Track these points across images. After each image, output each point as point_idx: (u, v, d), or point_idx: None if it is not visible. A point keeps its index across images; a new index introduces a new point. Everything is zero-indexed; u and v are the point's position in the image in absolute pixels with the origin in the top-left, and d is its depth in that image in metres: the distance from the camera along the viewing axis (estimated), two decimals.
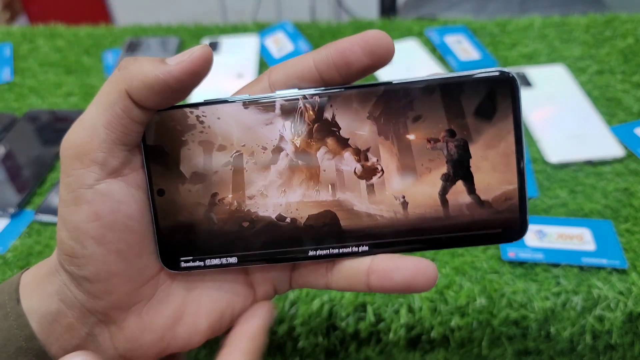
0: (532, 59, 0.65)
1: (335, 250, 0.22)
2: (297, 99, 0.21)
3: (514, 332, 0.41)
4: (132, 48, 0.71)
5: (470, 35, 0.69)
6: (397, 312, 0.41)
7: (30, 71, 0.70)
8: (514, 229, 0.21)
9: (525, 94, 0.59)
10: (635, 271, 0.42)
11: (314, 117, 0.21)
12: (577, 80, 0.61)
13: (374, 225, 0.21)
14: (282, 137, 0.21)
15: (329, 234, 0.22)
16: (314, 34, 0.72)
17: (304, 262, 0.22)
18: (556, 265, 0.43)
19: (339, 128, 0.21)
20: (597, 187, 0.49)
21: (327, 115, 0.21)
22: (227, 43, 0.71)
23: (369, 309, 0.41)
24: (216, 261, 0.22)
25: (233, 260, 0.22)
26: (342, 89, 0.21)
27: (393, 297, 0.42)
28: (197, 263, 0.22)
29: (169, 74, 0.19)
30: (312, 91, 0.21)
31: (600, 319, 0.40)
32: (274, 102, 0.21)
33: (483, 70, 0.21)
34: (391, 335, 0.41)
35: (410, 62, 0.66)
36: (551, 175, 0.51)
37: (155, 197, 0.21)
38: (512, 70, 0.62)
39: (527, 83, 0.61)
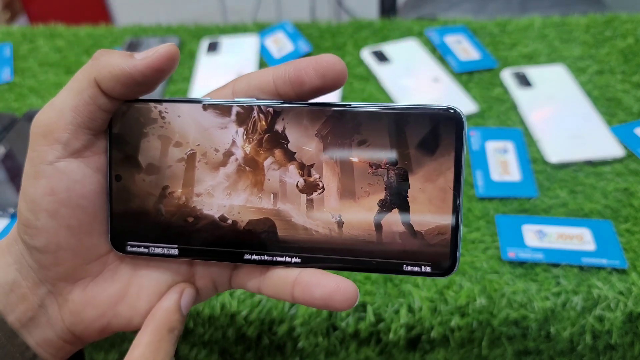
0: (532, 59, 0.65)
1: (269, 258, 0.23)
2: (253, 109, 0.22)
3: (514, 332, 0.41)
4: (132, 48, 0.71)
5: (470, 35, 0.69)
6: (397, 312, 0.41)
7: (30, 71, 0.70)
8: (443, 264, 0.22)
9: (525, 94, 0.59)
10: (635, 271, 0.42)
11: (265, 127, 0.22)
12: (577, 80, 0.61)
13: (308, 239, 0.22)
14: (234, 142, 0.22)
15: (265, 241, 0.23)
16: (313, 34, 0.72)
17: (239, 263, 0.23)
18: (556, 265, 0.43)
19: (288, 141, 0.22)
20: (597, 187, 0.49)
21: (278, 127, 0.22)
22: (227, 43, 0.71)
23: (369, 309, 0.41)
24: (159, 250, 0.23)
25: (174, 252, 0.23)
26: (296, 105, 0.22)
27: (393, 297, 0.42)
28: (142, 249, 0.23)
29: (135, 67, 0.21)
30: (267, 102, 0.22)
31: (600, 319, 0.40)
32: (231, 108, 0.22)
33: (433, 105, 0.21)
34: (391, 335, 0.41)
35: (410, 62, 0.66)
36: (551, 175, 0.51)
37: (113, 182, 0.23)
38: (514, 69, 0.62)
39: (527, 83, 0.61)
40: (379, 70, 0.65)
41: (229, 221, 0.23)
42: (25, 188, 0.22)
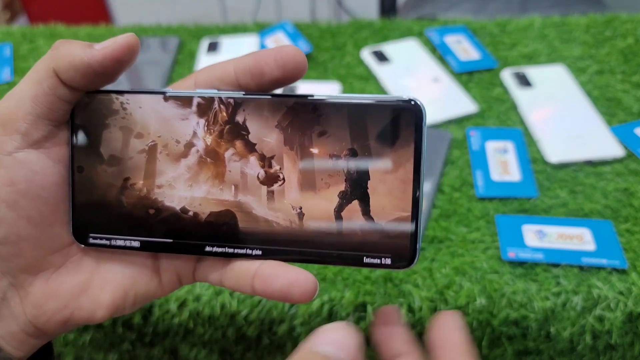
0: (532, 59, 0.65)
1: (230, 250, 0.22)
2: (213, 99, 0.22)
3: (514, 332, 0.41)
4: None
5: (470, 35, 0.69)
6: None
7: None
8: (403, 256, 0.22)
9: (525, 94, 0.59)
10: (635, 271, 0.42)
11: (226, 118, 0.22)
12: (577, 80, 0.61)
13: (269, 231, 0.22)
14: (195, 134, 0.22)
15: (226, 233, 0.22)
16: (313, 34, 0.72)
17: (200, 256, 0.23)
18: (556, 265, 0.43)
19: (249, 132, 0.22)
20: (597, 187, 0.49)
21: (239, 118, 0.22)
22: (227, 43, 0.71)
23: (369, 308, 0.41)
24: (120, 242, 0.23)
25: (136, 244, 0.23)
26: (256, 96, 0.22)
27: (393, 297, 0.42)
28: (104, 241, 0.23)
29: (93, 58, 0.20)
30: (228, 94, 0.22)
31: (600, 319, 0.40)
32: (192, 99, 0.22)
33: (394, 96, 0.21)
34: None
35: (410, 62, 0.66)
36: (551, 175, 0.51)
37: (75, 173, 0.23)
38: (515, 69, 0.62)
39: (527, 83, 0.61)
40: (379, 70, 0.65)
41: (190, 213, 0.22)
42: None
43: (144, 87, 0.23)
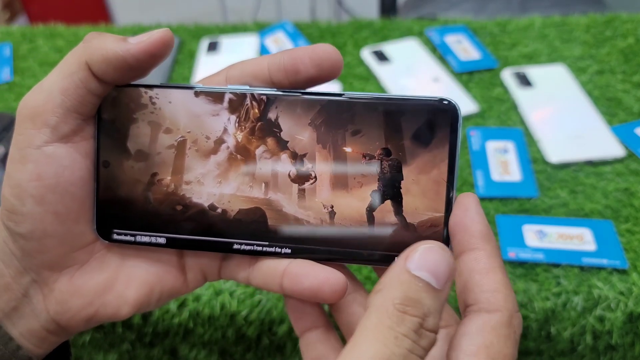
0: (532, 58, 0.65)
1: (259, 248, 0.22)
2: (245, 96, 0.22)
3: None
4: None
5: (471, 35, 0.69)
6: None
7: (30, 71, 0.70)
8: None
9: (525, 94, 0.59)
10: (635, 271, 0.42)
11: (258, 115, 0.22)
12: (578, 80, 0.61)
13: (299, 229, 0.22)
14: (225, 130, 0.22)
15: (255, 231, 0.22)
16: (313, 34, 0.72)
17: (228, 254, 0.23)
18: (557, 266, 0.43)
19: (281, 130, 0.22)
20: (598, 187, 0.49)
21: (271, 115, 0.22)
22: (227, 43, 0.71)
23: None
24: (146, 239, 0.23)
25: (162, 240, 0.23)
26: (289, 93, 0.22)
27: None
28: (128, 237, 0.23)
29: (128, 52, 0.20)
30: (260, 90, 0.22)
31: (601, 319, 0.40)
32: (224, 95, 0.22)
33: (429, 96, 0.21)
34: None
35: (410, 62, 0.66)
36: (551, 175, 0.51)
37: (100, 169, 0.22)
38: (515, 69, 0.62)
39: (528, 83, 0.61)
40: (379, 70, 0.65)
41: (219, 210, 0.22)
42: (10, 173, 0.21)
43: (173, 83, 0.23)
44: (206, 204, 0.22)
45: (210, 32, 0.74)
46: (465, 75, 0.64)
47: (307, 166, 0.22)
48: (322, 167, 0.22)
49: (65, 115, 0.21)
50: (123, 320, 0.22)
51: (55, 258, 0.22)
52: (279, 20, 0.75)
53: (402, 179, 0.21)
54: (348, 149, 0.21)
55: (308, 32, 0.73)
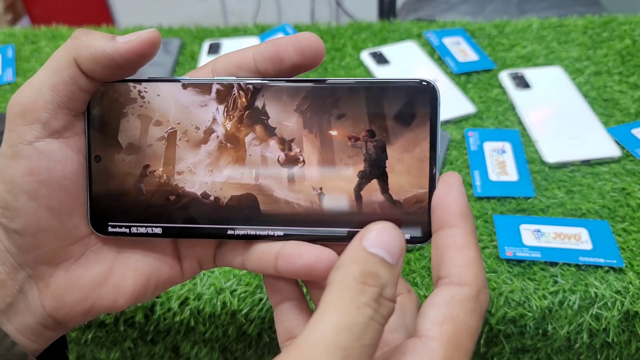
0: (530, 60, 0.66)
1: (252, 232, 0.23)
2: (232, 86, 0.22)
3: (512, 330, 0.42)
4: None
5: (469, 37, 0.70)
6: None
7: (32, 72, 0.71)
8: (421, 230, 0.22)
9: (523, 95, 0.60)
10: (632, 270, 0.42)
11: (245, 104, 0.22)
12: (575, 81, 0.62)
13: (290, 212, 0.22)
14: (214, 120, 0.23)
15: (248, 216, 0.23)
16: None
17: (223, 240, 0.23)
18: (554, 264, 0.43)
19: (268, 117, 0.22)
20: (594, 187, 0.50)
21: (258, 103, 0.22)
22: (228, 45, 0.72)
23: None
24: (141, 230, 0.23)
25: (157, 230, 0.23)
26: (275, 81, 0.22)
27: None
28: (123, 230, 0.23)
29: (116, 50, 0.21)
30: (247, 80, 0.22)
31: (597, 318, 0.41)
32: (211, 86, 0.23)
33: (408, 78, 0.22)
34: None
35: (409, 64, 0.66)
36: (549, 175, 0.51)
37: (92, 163, 0.23)
38: (512, 71, 0.62)
39: (525, 84, 0.61)
40: (379, 72, 0.65)
41: (212, 198, 0.23)
42: (2, 169, 0.21)
43: (161, 76, 0.24)
44: (199, 193, 0.23)
45: (211, 34, 0.75)
46: (464, 76, 0.64)
47: (295, 150, 0.22)
48: (309, 151, 0.22)
49: (55, 111, 0.21)
50: (119, 311, 0.23)
51: (50, 252, 0.22)
52: (279, 23, 0.75)
53: (387, 159, 0.22)
54: (334, 132, 0.22)
55: None
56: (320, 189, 0.22)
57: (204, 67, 0.24)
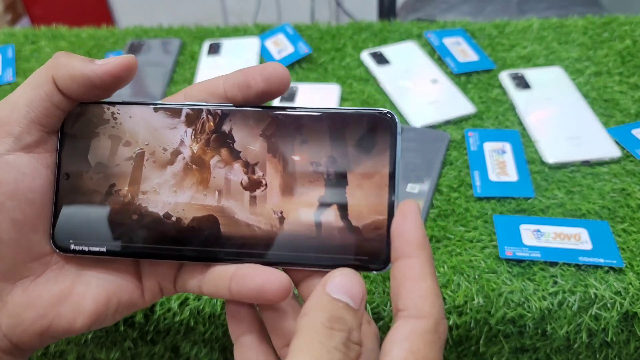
0: (530, 60, 0.66)
1: (211, 254, 0.23)
2: (202, 110, 0.23)
3: (511, 330, 0.42)
4: (134, 49, 0.72)
5: (469, 38, 0.70)
6: None
7: (32, 72, 0.71)
8: (379, 257, 0.22)
9: (523, 96, 0.60)
10: (632, 271, 0.42)
11: (213, 127, 0.23)
12: (575, 81, 0.62)
13: (250, 235, 0.23)
14: (182, 142, 0.23)
15: (208, 238, 0.23)
16: (313, 36, 0.73)
17: (183, 262, 0.24)
18: (553, 264, 0.43)
19: (234, 141, 0.23)
20: (594, 187, 0.50)
21: (225, 128, 0.23)
22: (228, 45, 0.72)
23: (368, 307, 0.42)
24: (102, 249, 0.23)
25: (117, 249, 0.23)
26: (242, 107, 0.23)
27: None
28: (84, 248, 0.23)
29: (93, 71, 0.21)
30: (215, 105, 0.23)
31: (597, 318, 0.41)
32: (181, 110, 0.23)
33: (370, 108, 0.23)
34: None
35: (409, 64, 0.66)
36: (549, 175, 0.51)
37: (61, 181, 0.23)
38: (513, 71, 0.62)
39: (526, 85, 0.61)
40: (379, 72, 0.65)
41: (173, 218, 0.23)
42: None
43: (136, 99, 0.24)
44: (161, 213, 0.23)
45: (211, 34, 0.75)
46: (464, 76, 0.64)
47: (258, 174, 0.23)
48: (272, 175, 0.23)
49: (29, 126, 0.21)
50: (78, 334, 0.22)
51: (9, 268, 0.22)
52: (279, 23, 0.75)
53: (347, 185, 0.22)
54: (296, 157, 0.23)
55: (308, 34, 0.73)
56: (281, 212, 0.22)
57: (178, 95, 0.24)
